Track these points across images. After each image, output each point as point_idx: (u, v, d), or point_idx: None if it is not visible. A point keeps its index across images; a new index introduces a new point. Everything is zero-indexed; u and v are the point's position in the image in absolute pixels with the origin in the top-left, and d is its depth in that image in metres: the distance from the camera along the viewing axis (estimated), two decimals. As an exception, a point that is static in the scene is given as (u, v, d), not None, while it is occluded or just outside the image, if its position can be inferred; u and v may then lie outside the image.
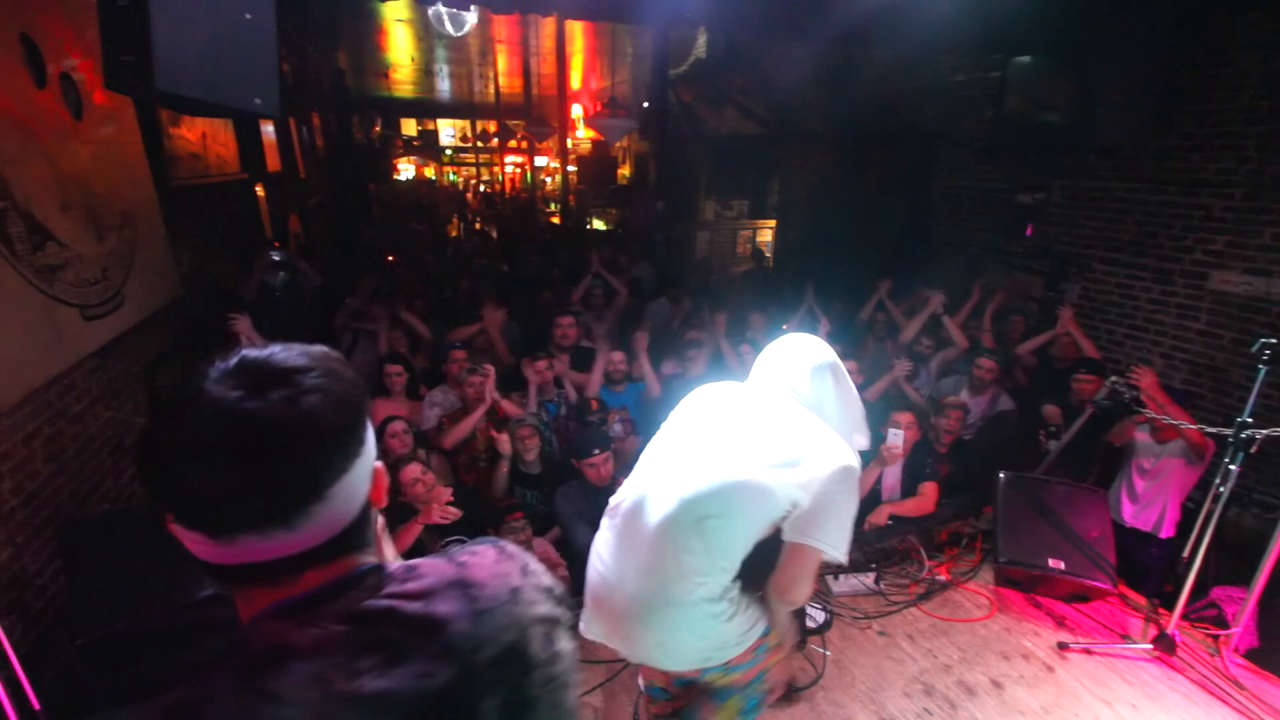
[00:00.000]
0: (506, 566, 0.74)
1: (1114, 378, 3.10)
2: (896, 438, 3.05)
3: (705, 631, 1.52)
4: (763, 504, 1.46)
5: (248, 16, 2.14)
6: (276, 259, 4.79)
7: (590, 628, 1.67)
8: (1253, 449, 2.25)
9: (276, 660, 0.59)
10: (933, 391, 4.26)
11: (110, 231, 3.19)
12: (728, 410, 1.62)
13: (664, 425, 1.72)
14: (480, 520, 2.86)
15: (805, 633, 2.48)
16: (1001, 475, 3.08)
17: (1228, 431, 2.33)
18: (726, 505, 1.47)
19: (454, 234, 13.45)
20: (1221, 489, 2.30)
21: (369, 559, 0.71)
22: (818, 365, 1.61)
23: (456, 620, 0.65)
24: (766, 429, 1.55)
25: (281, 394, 0.62)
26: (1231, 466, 2.27)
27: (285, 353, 0.66)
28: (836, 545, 1.48)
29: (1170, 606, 2.62)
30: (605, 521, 1.73)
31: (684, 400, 1.74)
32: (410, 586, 0.68)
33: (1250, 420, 2.25)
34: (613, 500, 1.73)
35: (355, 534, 0.70)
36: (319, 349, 0.70)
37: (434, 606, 0.66)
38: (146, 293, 3.44)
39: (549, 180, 18.17)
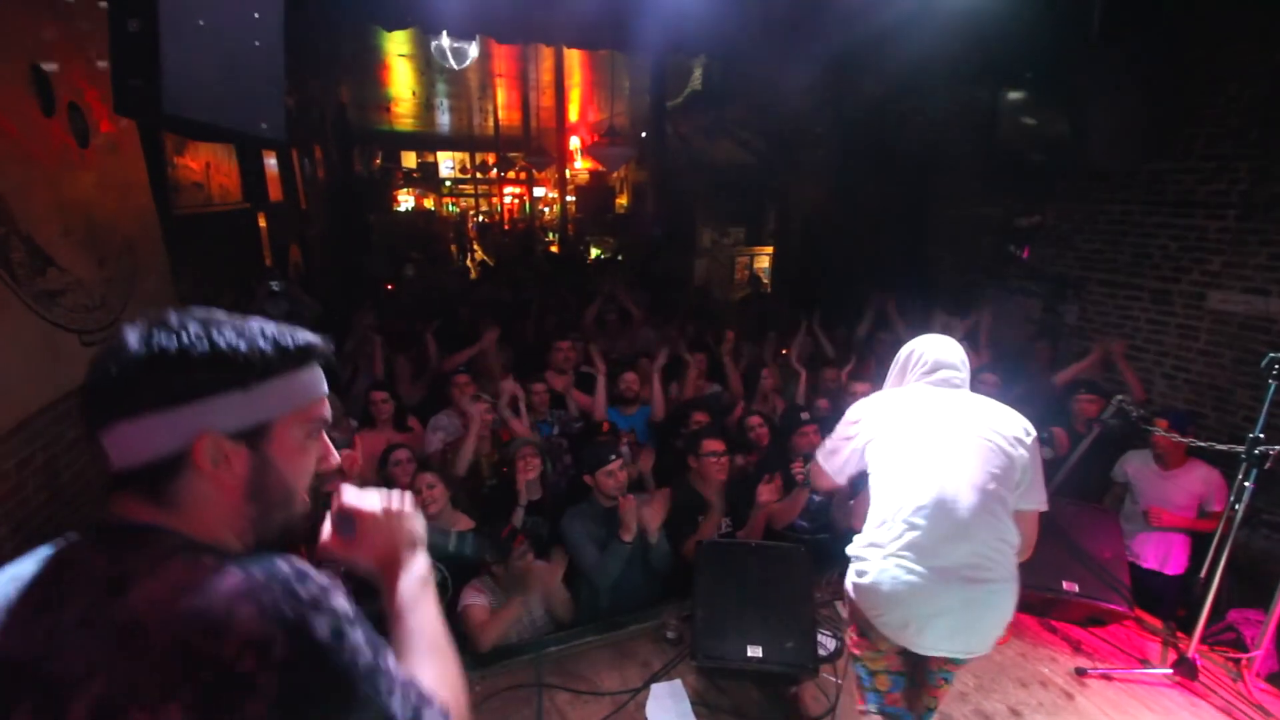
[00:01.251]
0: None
1: (1120, 396, 3.09)
2: None
3: (1011, 606, 1.75)
4: (1020, 476, 1.77)
5: (257, 44, 2.17)
6: (276, 289, 4.80)
7: (885, 630, 1.79)
8: (1266, 465, 2.22)
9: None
10: None
11: (111, 258, 3.19)
12: (950, 405, 1.86)
13: (877, 434, 1.90)
14: (481, 554, 2.80)
15: (817, 661, 2.41)
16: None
17: (1240, 448, 2.31)
18: (1009, 481, 1.75)
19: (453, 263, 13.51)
20: (1237, 506, 2.27)
21: (167, 521, 0.71)
22: (963, 358, 1.93)
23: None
24: (986, 414, 1.82)
25: (159, 329, 0.71)
26: (1246, 484, 2.24)
27: (199, 314, 0.73)
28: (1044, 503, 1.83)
29: (1186, 631, 2.56)
30: (896, 530, 1.77)
31: (879, 410, 1.94)
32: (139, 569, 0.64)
33: (1262, 436, 2.23)
34: (891, 508, 1.80)
35: (152, 480, 0.71)
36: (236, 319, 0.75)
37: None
38: (146, 319, 3.42)
39: (547, 210, 18.36)
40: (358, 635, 0.66)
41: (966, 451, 1.76)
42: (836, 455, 2.03)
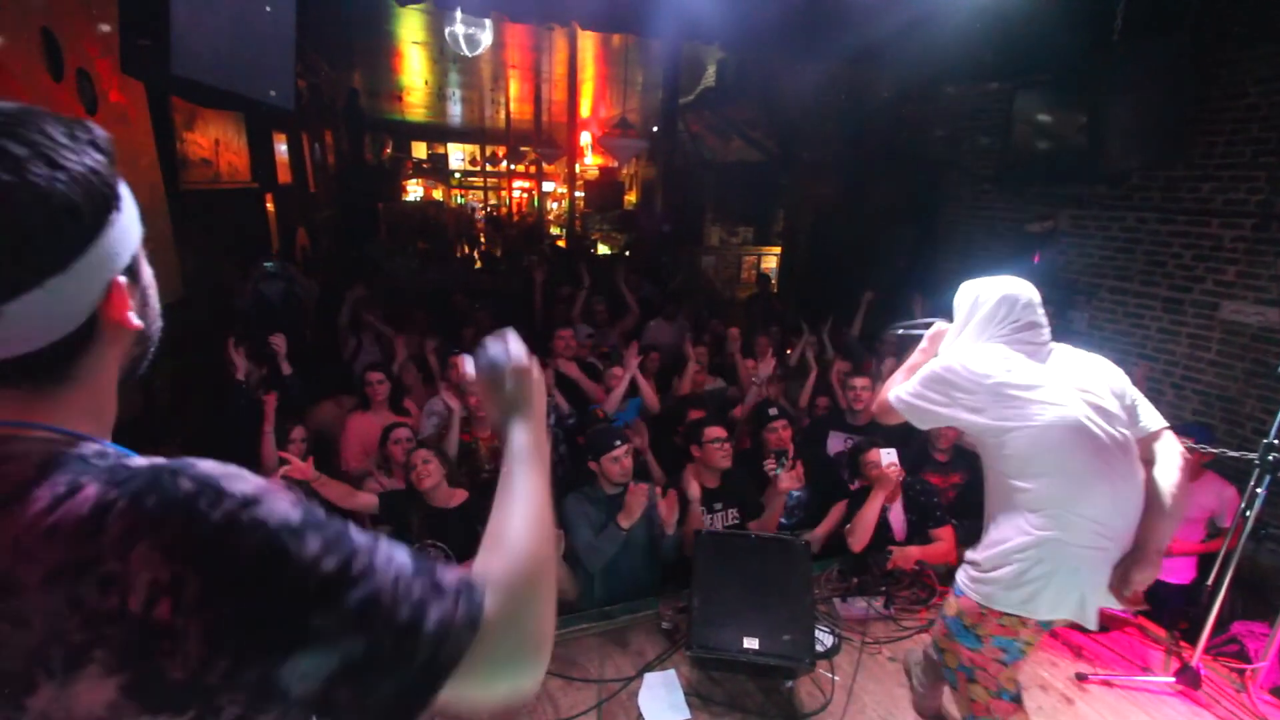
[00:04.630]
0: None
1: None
2: (891, 456, 2.97)
3: None
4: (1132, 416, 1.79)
5: (268, 9, 2.14)
6: (271, 269, 4.80)
7: (1048, 606, 1.75)
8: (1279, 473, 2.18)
9: None
10: None
11: (116, 228, 3.17)
12: (1062, 375, 1.78)
13: (1003, 391, 1.75)
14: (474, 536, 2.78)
15: (814, 655, 2.38)
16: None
17: (1252, 455, 2.26)
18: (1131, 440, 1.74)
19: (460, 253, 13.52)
20: (1248, 514, 2.23)
21: (27, 415, 0.55)
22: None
23: None
24: (1087, 374, 1.80)
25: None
26: (1259, 490, 2.20)
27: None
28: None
29: (1190, 641, 2.52)
30: (1085, 487, 1.70)
31: (991, 383, 1.76)
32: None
33: (1277, 443, 2.19)
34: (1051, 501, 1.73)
35: (24, 370, 0.54)
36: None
37: None
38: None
39: (556, 205, 18.36)
40: (308, 544, 0.53)
41: (1105, 436, 1.70)
42: (927, 408, 1.85)
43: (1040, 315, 1.86)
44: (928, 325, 2.17)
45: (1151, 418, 1.80)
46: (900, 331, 2.33)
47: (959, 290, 2.01)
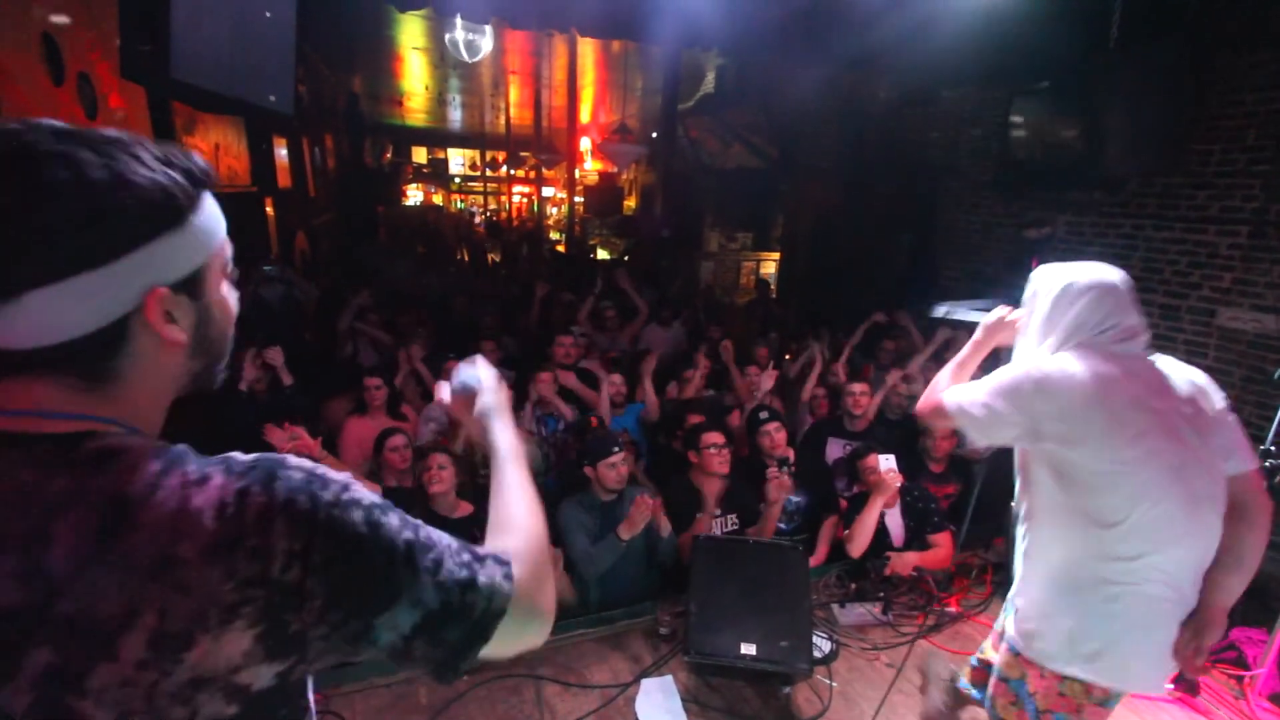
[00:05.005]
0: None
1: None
2: (890, 462, 2.97)
3: None
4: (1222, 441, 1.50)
5: (268, 15, 2.15)
6: (270, 272, 4.80)
7: (1125, 675, 1.48)
8: (1277, 479, 2.18)
9: None
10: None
11: (115, 231, 3.17)
12: (1160, 375, 1.50)
13: (1072, 435, 1.45)
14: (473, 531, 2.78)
15: (812, 662, 2.37)
16: (1013, 505, 3.00)
17: (1249, 461, 2.26)
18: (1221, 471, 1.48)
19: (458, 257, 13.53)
20: (1244, 520, 2.22)
21: (96, 409, 0.60)
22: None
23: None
24: (1189, 383, 1.52)
25: (62, 158, 0.56)
26: (1255, 496, 2.19)
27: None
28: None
29: (1189, 647, 2.50)
30: (1172, 535, 1.43)
31: (1073, 401, 1.44)
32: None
33: (1273, 449, 2.19)
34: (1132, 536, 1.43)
35: (74, 359, 0.59)
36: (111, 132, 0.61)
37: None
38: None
39: (555, 211, 18.38)
40: (392, 519, 0.66)
41: (1202, 477, 1.44)
42: (995, 424, 1.53)
43: (1141, 320, 1.53)
44: (985, 309, 1.85)
45: (1245, 455, 1.50)
46: (946, 312, 2.09)
47: (1037, 274, 1.64)
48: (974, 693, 1.91)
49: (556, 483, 3.54)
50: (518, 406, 3.82)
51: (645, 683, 2.37)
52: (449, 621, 0.66)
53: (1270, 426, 2.39)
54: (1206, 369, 4.67)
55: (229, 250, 0.72)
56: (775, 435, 3.32)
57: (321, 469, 0.64)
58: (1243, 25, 3.98)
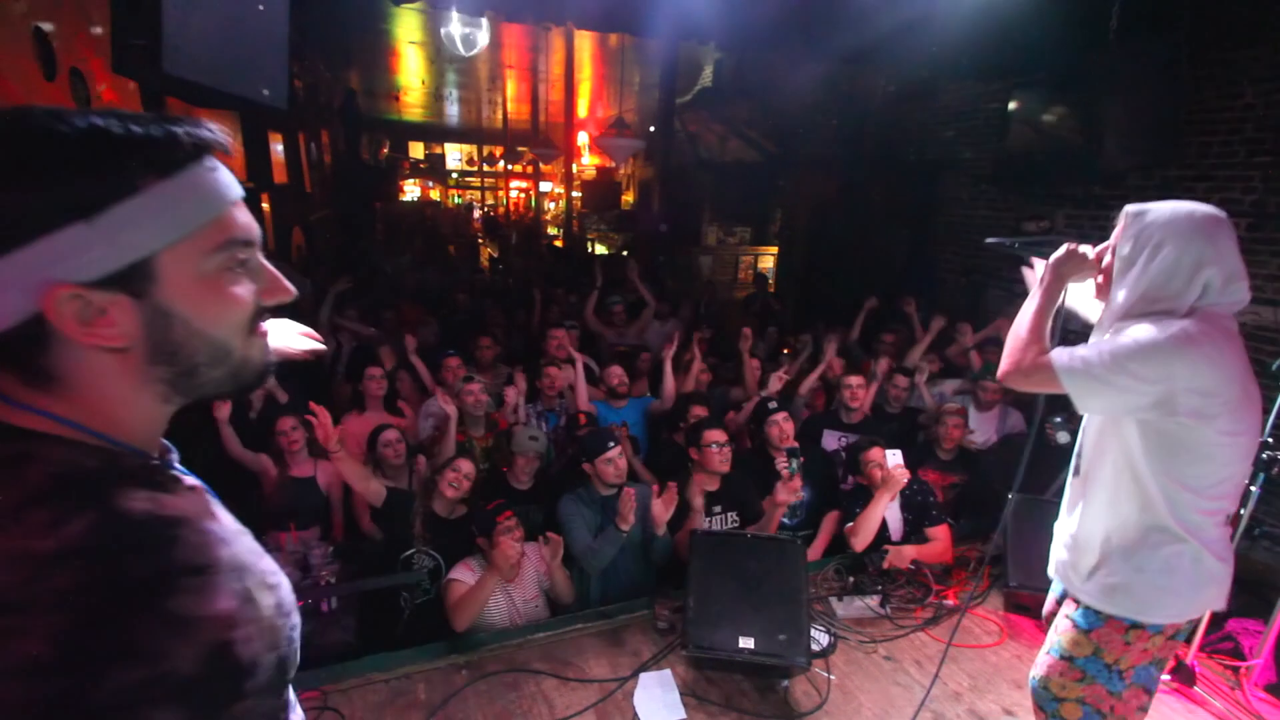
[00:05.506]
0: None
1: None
2: (897, 458, 2.97)
3: None
4: None
5: (260, 7, 2.14)
6: None
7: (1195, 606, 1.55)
8: (1275, 470, 2.18)
9: None
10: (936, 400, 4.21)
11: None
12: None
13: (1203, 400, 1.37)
14: (470, 529, 2.78)
15: (810, 655, 2.38)
16: (1011, 497, 3.00)
17: (1246, 453, 2.26)
18: None
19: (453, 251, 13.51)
20: (1242, 512, 2.23)
21: (52, 406, 0.56)
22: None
23: None
24: None
25: None
26: (1253, 489, 2.20)
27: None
28: None
29: (1185, 640, 2.51)
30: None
31: (1207, 369, 1.36)
32: None
33: (1270, 440, 2.19)
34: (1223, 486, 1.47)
35: (14, 354, 0.54)
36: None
37: None
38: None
39: (553, 206, 18.35)
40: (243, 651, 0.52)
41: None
42: (1119, 390, 1.40)
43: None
44: (1037, 244, 1.72)
45: None
46: (1012, 243, 1.81)
47: (1139, 210, 1.49)
48: None
49: (558, 477, 3.53)
50: (527, 400, 3.83)
51: (644, 677, 2.37)
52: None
53: (1269, 416, 2.38)
54: (1205, 361, 4.61)
55: (231, 232, 0.60)
56: (784, 425, 3.32)
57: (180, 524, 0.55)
58: (1240, 18, 3.97)
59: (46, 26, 2.69)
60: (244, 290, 0.63)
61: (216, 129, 0.60)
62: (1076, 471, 1.67)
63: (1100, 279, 1.58)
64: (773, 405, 3.42)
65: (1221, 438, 1.39)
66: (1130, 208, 1.50)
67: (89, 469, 0.55)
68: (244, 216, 0.62)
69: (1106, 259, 1.55)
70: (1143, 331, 1.40)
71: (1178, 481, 1.44)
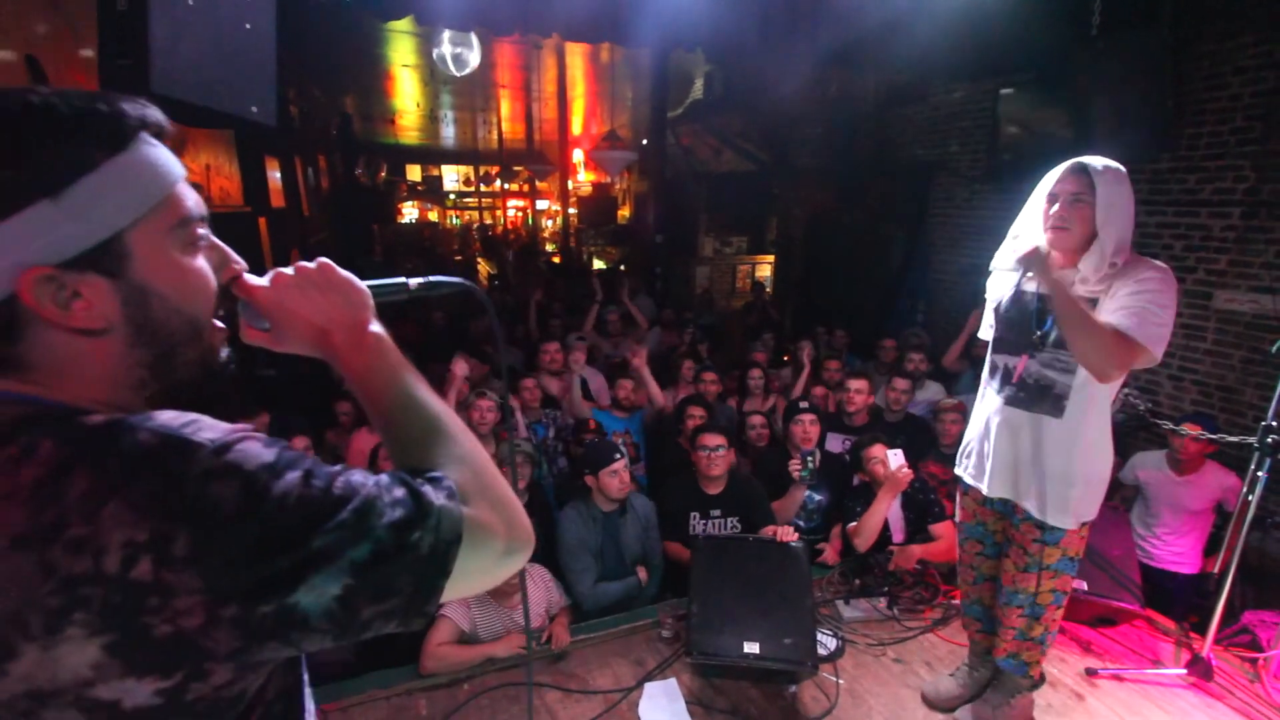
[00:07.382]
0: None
1: (1126, 389, 3.02)
2: (899, 458, 2.94)
3: None
4: None
5: (248, 26, 2.16)
6: None
7: None
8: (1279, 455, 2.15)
9: None
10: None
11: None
12: None
13: None
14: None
15: (817, 659, 2.33)
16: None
17: (1251, 439, 2.24)
18: None
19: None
20: (1250, 498, 2.20)
21: (25, 389, 0.54)
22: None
23: None
24: None
25: None
26: (1260, 474, 2.17)
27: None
28: None
29: (1200, 633, 2.47)
30: None
31: None
32: None
33: (1275, 424, 2.16)
34: None
35: None
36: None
37: None
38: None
39: (550, 224, 18.44)
40: (289, 478, 0.53)
41: None
42: (1167, 333, 1.71)
43: None
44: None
45: None
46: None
47: (1101, 164, 1.74)
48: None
49: (553, 491, 3.51)
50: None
51: (648, 686, 2.33)
52: (392, 570, 0.55)
53: (1273, 399, 2.35)
54: (1205, 352, 4.64)
55: (185, 208, 0.59)
56: (809, 428, 3.31)
57: (192, 427, 0.52)
58: (1223, 10, 3.99)
59: (39, 52, 2.72)
60: (207, 266, 0.64)
61: (153, 106, 0.60)
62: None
63: (1050, 235, 1.84)
64: (804, 405, 3.42)
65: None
66: (1089, 162, 1.74)
67: (52, 410, 0.54)
68: (192, 193, 0.62)
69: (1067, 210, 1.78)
70: (1151, 279, 1.70)
71: (1112, 390, 1.90)
